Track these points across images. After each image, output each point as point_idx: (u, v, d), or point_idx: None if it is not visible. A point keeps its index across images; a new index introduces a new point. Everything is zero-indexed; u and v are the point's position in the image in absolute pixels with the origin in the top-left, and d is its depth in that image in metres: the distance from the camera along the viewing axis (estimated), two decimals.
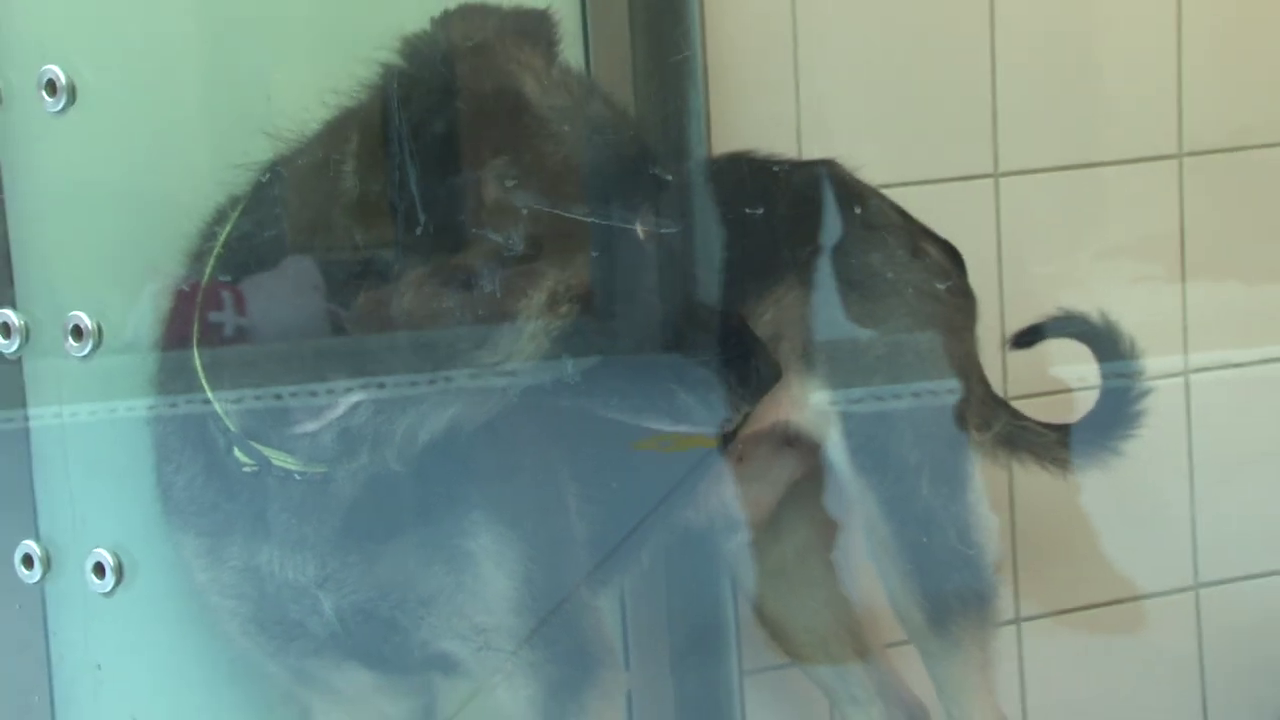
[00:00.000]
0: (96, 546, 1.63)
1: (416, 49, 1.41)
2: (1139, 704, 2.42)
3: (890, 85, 2.19)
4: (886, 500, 1.87)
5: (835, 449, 1.87)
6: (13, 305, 1.62)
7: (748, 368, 1.48)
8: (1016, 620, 2.35)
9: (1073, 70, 2.30)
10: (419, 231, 1.35)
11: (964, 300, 1.95)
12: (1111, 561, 2.39)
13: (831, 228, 1.91)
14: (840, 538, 2.05)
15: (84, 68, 1.52)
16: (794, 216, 1.91)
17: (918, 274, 1.91)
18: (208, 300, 1.49)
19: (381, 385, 1.44)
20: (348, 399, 1.45)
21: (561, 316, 1.39)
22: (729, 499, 1.93)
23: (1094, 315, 2.00)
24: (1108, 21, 2.33)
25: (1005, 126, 2.26)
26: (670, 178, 1.48)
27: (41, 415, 1.66)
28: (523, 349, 1.40)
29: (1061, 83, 2.28)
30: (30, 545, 1.66)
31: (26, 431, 1.66)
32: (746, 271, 1.84)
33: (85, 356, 1.59)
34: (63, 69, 1.55)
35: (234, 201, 1.52)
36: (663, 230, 1.43)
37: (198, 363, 1.50)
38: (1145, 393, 2.02)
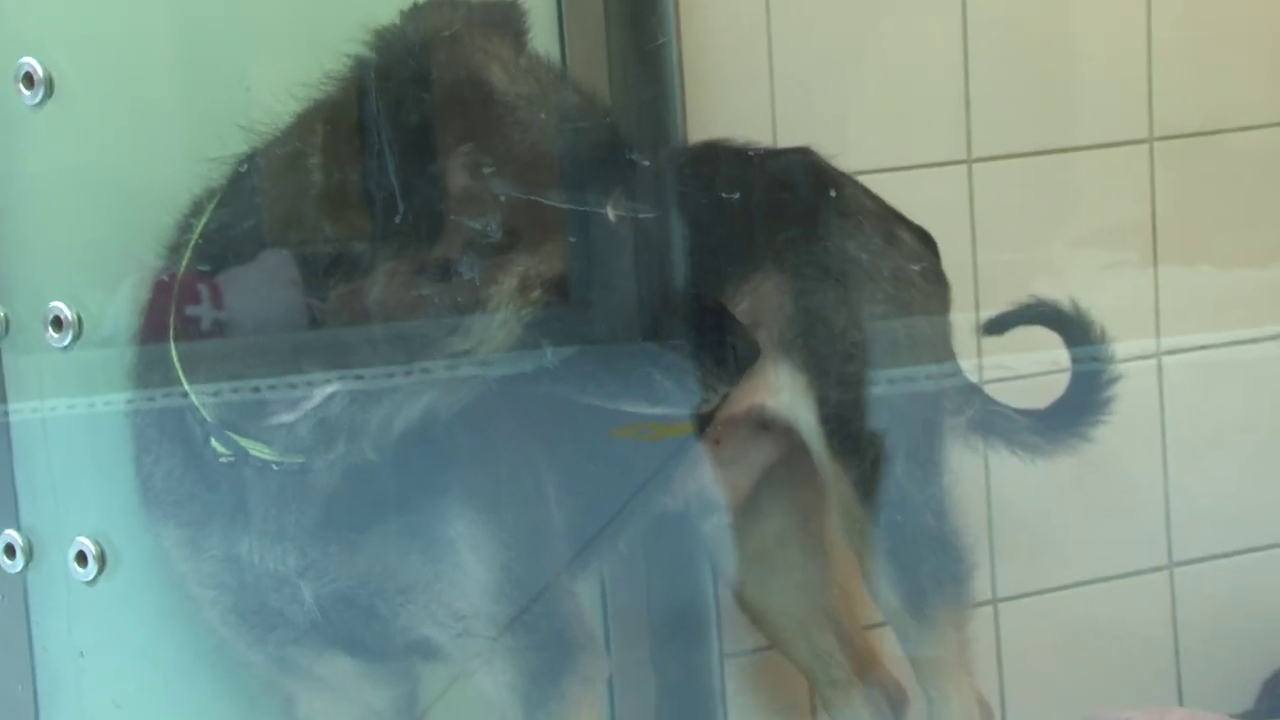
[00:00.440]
0: (78, 535, 1.63)
1: (386, 41, 1.42)
2: (1114, 682, 2.44)
3: (864, 72, 2.20)
4: (862, 483, 1.88)
5: (811, 433, 1.89)
6: None
7: (725, 348, 1.48)
8: (993, 601, 2.36)
9: (1044, 56, 2.30)
10: (390, 222, 1.36)
11: (938, 286, 1.97)
12: (1086, 542, 2.41)
13: (807, 215, 1.92)
14: (818, 521, 2.06)
15: (61, 61, 1.52)
16: (770, 204, 1.92)
17: (892, 260, 1.92)
18: (184, 292, 1.49)
19: (357, 376, 1.44)
20: (323, 389, 1.46)
21: (533, 303, 1.40)
22: (706, 482, 1.94)
23: (1064, 303, 2.02)
24: (1078, 7, 2.34)
25: (978, 113, 2.27)
26: (644, 162, 1.49)
27: (22, 406, 1.66)
28: (494, 336, 1.41)
29: (1033, 68, 2.29)
30: (12, 535, 1.67)
31: (7, 422, 1.66)
32: (723, 259, 1.85)
33: (65, 347, 1.60)
34: (40, 62, 1.55)
35: (210, 194, 1.52)
36: (638, 215, 1.44)
37: (174, 354, 1.50)
38: (1115, 379, 2.04)
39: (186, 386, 1.50)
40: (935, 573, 1.91)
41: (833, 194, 1.92)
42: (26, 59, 1.55)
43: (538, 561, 1.64)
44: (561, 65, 1.62)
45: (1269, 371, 2.45)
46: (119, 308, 1.60)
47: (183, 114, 1.46)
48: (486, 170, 1.38)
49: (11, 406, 1.66)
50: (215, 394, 1.49)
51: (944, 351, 1.96)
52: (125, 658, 1.73)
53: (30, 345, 1.62)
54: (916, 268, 1.92)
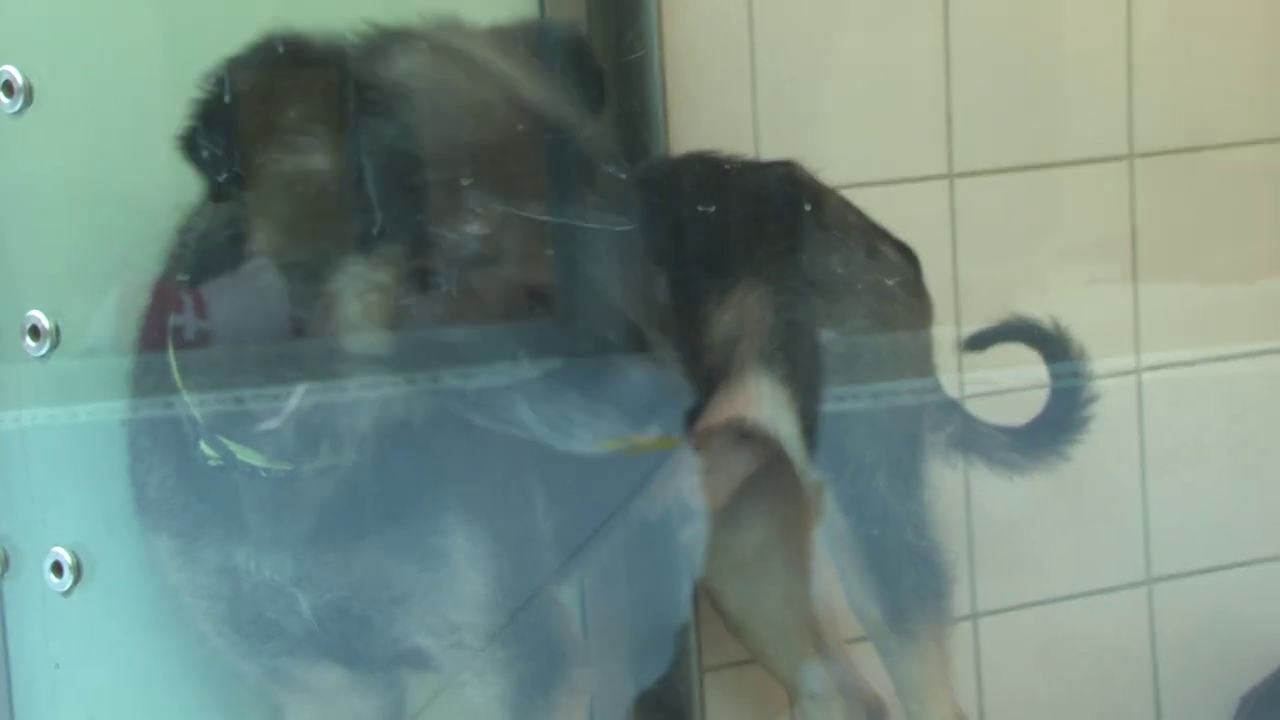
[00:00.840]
0: (55, 545, 1.63)
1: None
2: (1094, 698, 2.45)
3: (846, 86, 2.21)
4: (843, 497, 1.88)
5: (792, 445, 1.89)
6: None
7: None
8: (973, 616, 2.36)
9: (1026, 71, 2.31)
10: (361, 228, 1.36)
11: (919, 301, 1.97)
12: (1066, 557, 2.41)
13: (790, 229, 1.92)
14: (799, 534, 2.06)
15: (41, 69, 1.52)
16: (753, 217, 1.92)
17: (874, 275, 1.92)
18: (172, 300, 1.49)
19: (325, 387, 1.44)
20: (298, 396, 1.45)
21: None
22: (686, 491, 1.94)
23: (1044, 320, 2.02)
24: (1060, 22, 2.35)
25: (960, 128, 2.27)
26: (620, 174, 1.48)
27: (0, 414, 1.65)
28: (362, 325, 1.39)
29: (1014, 84, 2.30)
30: None
31: None
32: (706, 270, 1.85)
33: (43, 356, 1.59)
34: (19, 70, 1.54)
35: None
36: (617, 229, 1.43)
37: (171, 361, 1.50)
38: (1093, 398, 2.05)
39: (179, 385, 1.49)
40: (916, 587, 1.91)
41: (816, 209, 1.92)
42: (6, 67, 1.54)
43: (528, 572, 1.63)
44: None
45: (1249, 387, 2.46)
46: (100, 317, 1.60)
47: (163, 122, 1.46)
48: (472, 181, 1.38)
49: None
50: (203, 401, 1.49)
51: (925, 366, 1.97)
52: (101, 670, 1.72)
53: (7, 354, 1.61)
54: (898, 282, 1.93)
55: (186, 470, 1.54)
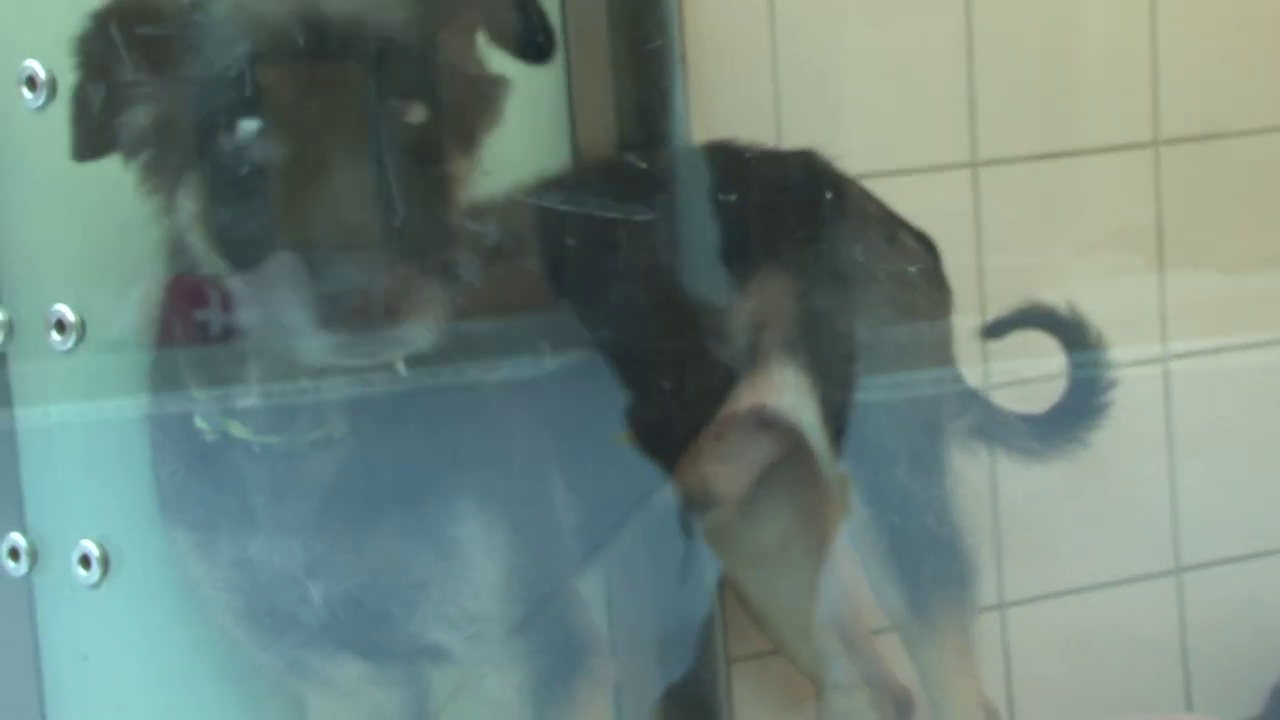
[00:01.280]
0: (82, 538, 1.64)
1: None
2: (1123, 688, 2.43)
3: (867, 75, 2.20)
4: (865, 485, 1.88)
5: (813, 433, 1.89)
6: None
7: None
8: (1001, 606, 2.36)
9: (1048, 58, 2.30)
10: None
11: (939, 290, 1.97)
12: (1094, 546, 2.40)
13: (811, 217, 1.92)
14: (820, 523, 2.06)
15: (64, 63, 1.52)
16: (774, 206, 1.92)
17: (895, 263, 1.92)
18: (186, 294, 1.50)
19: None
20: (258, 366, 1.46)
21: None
22: (708, 481, 1.95)
23: (1061, 307, 2.02)
24: (1083, 8, 2.34)
25: (982, 116, 2.26)
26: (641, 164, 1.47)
27: (27, 409, 1.67)
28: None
29: (1037, 71, 2.29)
30: (16, 538, 1.67)
31: (13, 425, 1.67)
32: (728, 258, 1.85)
33: (69, 350, 1.60)
34: (42, 65, 1.55)
35: None
36: (637, 217, 1.43)
37: (180, 354, 1.51)
38: (1112, 384, 2.04)
39: (193, 389, 1.50)
40: (937, 574, 1.91)
41: (837, 198, 1.92)
42: (29, 62, 1.55)
43: (549, 562, 1.64)
44: None
45: (1277, 375, 2.44)
46: (124, 310, 1.61)
47: None
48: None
49: (17, 410, 1.66)
50: (219, 396, 1.50)
51: (945, 355, 1.96)
52: (129, 661, 1.73)
53: (33, 348, 1.63)
54: (918, 270, 1.92)
55: (196, 460, 1.54)
